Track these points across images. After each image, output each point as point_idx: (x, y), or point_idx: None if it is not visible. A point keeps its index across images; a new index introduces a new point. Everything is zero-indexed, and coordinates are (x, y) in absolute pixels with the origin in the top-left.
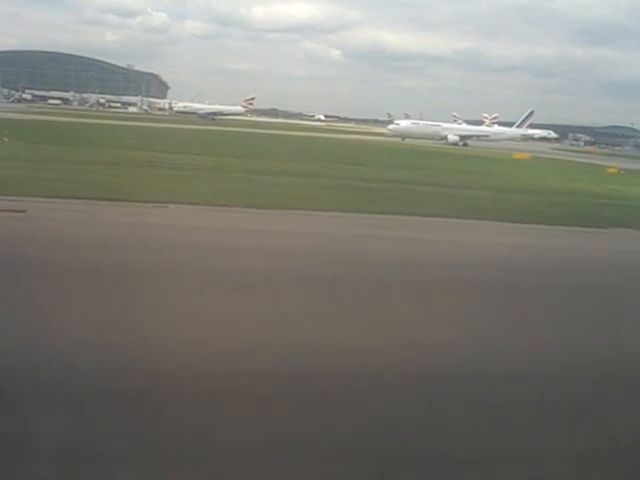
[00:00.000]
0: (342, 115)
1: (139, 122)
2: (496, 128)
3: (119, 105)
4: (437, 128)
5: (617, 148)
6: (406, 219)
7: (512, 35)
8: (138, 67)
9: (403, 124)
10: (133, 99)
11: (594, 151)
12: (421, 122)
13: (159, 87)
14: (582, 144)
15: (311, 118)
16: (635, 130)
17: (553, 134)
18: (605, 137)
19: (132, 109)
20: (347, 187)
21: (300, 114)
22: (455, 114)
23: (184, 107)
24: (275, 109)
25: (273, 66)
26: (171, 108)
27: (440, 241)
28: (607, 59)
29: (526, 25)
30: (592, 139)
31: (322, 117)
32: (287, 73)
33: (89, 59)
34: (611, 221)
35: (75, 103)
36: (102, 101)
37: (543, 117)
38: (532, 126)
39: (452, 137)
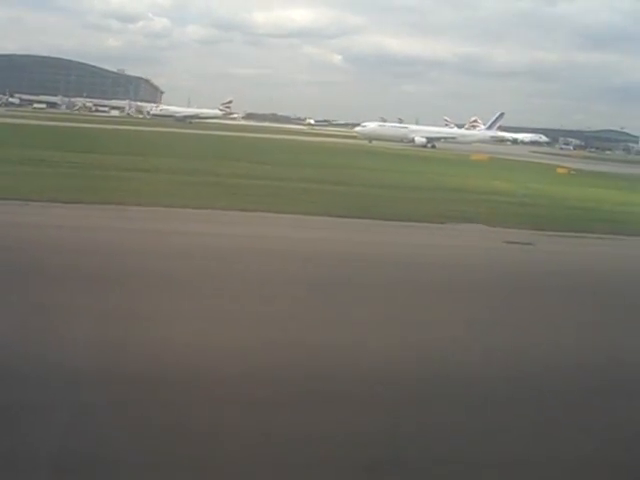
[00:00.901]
0: (340, 120)
1: (108, 125)
2: (464, 130)
3: (107, 109)
4: (405, 130)
5: (607, 152)
6: (227, 214)
7: (514, 40)
8: (140, 73)
9: (370, 126)
10: (121, 103)
11: (577, 154)
12: (388, 124)
13: (151, 91)
14: (571, 148)
15: (302, 122)
16: (626, 134)
17: (544, 138)
18: (596, 141)
19: (114, 112)
20: (205, 183)
21: (298, 119)
22: (446, 118)
23: (160, 110)
24: (275, 114)
25: (274, 71)
26: (148, 112)
27: (210, 234)
28: (609, 64)
29: (528, 30)
30: (582, 143)
31: (312, 121)
32: (289, 78)
33: (79, 63)
34: (464, 217)
35: (63, 107)
36: (89, 105)
37: (535, 121)
38: (523, 130)
39: (419, 139)
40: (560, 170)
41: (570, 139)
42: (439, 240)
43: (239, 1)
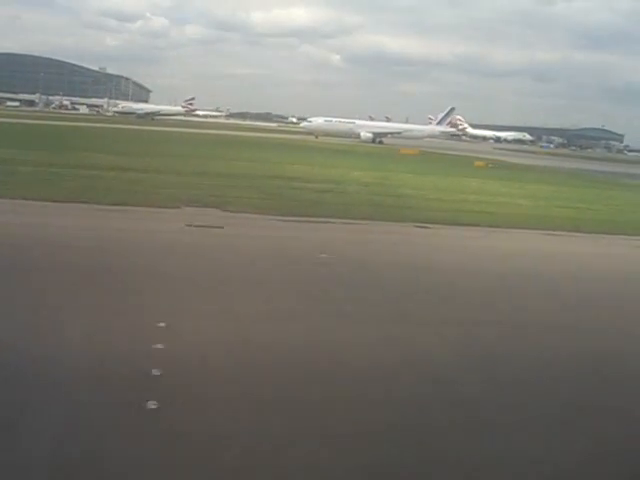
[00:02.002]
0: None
1: (63, 122)
2: (413, 126)
3: (85, 106)
4: (351, 125)
5: (589, 150)
6: None
7: (512, 40)
8: (133, 72)
9: (316, 122)
10: (100, 101)
11: (551, 152)
12: (334, 120)
13: (134, 89)
14: (552, 146)
15: (284, 120)
16: (610, 132)
17: (528, 136)
18: (579, 139)
19: (83, 110)
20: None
21: (291, 117)
22: (430, 116)
23: (122, 108)
24: (269, 113)
25: (273, 71)
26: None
27: None
28: (608, 63)
29: (526, 30)
30: (565, 141)
31: (294, 119)
32: (287, 77)
33: (58, 61)
34: (209, 202)
35: (40, 105)
36: (65, 103)
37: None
38: (507, 129)
39: (365, 134)
40: (478, 163)
41: (553, 137)
42: (124, 224)
43: (237, 1)
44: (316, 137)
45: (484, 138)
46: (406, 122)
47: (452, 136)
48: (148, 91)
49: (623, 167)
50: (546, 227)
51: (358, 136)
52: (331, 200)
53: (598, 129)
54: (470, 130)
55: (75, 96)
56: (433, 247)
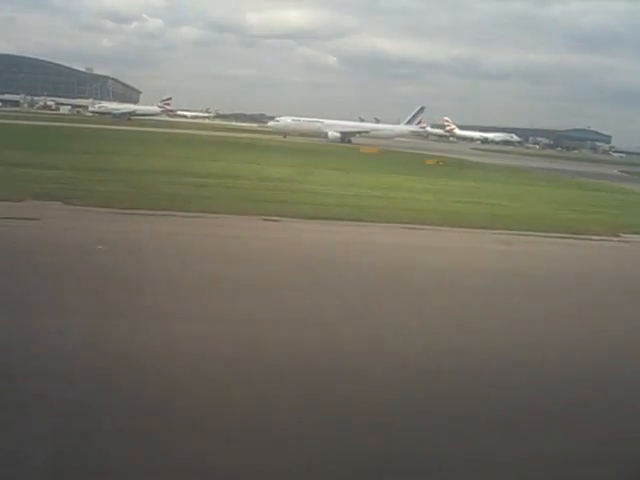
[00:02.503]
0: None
1: (34, 122)
2: (382, 125)
3: (69, 107)
4: (319, 125)
5: (575, 151)
6: None
7: (508, 42)
8: (129, 74)
9: (284, 121)
10: (85, 102)
11: (520, 152)
12: (302, 119)
13: (122, 90)
14: (537, 147)
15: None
16: (596, 133)
17: (516, 137)
18: (567, 140)
19: (63, 110)
20: None
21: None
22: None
23: (99, 107)
24: (263, 114)
25: (269, 72)
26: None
27: None
28: (603, 66)
29: (522, 32)
30: (551, 142)
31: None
32: (284, 79)
33: (44, 62)
34: (55, 195)
35: (25, 105)
36: (49, 103)
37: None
38: (496, 130)
39: (332, 134)
40: (428, 161)
41: (540, 138)
42: None
43: (232, 2)
44: (284, 137)
45: (472, 139)
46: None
47: (441, 137)
48: (138, 92)
49: (595, 167)
50: (416, 221)
51: (326, 135)
52: (200, 194)
53: (586, 130)
54: (458, 131)
55: (60, 96)
56: (245, 238)
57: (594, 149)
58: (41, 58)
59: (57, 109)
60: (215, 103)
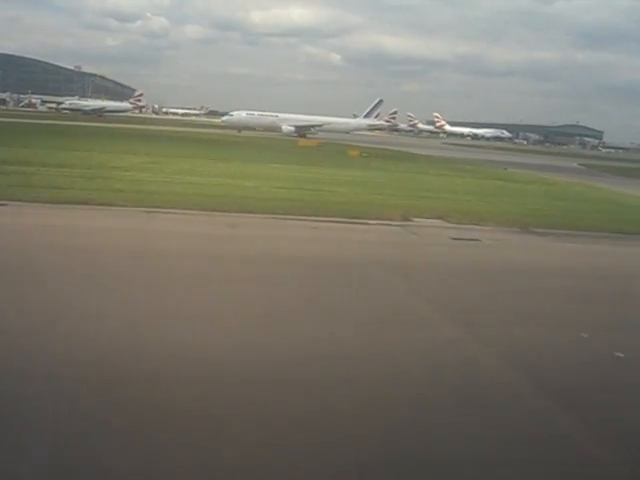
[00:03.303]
0: None
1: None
2: (338, 119)
3: (54, 105)
4: (273, 119)
5: (564, 147)
6: None
7: (512, 39)
8: (133, 71)
9: (237, 115)
10: (70, 100)
11: (503, 147)
12: (257, 113)
13: (112, 88)
14: (525, 142)
15: None
16: (587, 128)
17: (507, 133)
18: (557, 136)
19: (41, 108)
20: None
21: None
22: (410, 114)
23: (70, 104)
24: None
25: (273, 70)
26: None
27: None
28: (607, 63)
29: (526, 29)
30: (541, 138)
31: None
32: (287, 77)
33: (32, 60)
34: None
35: (12, 103)
36: (34, 101)
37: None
38: (487, 126)
39: (286, 128)
40: (351, 153)
41: (530, 134)
42: None
43: (236, 0)
44: (239, 131)
45: (462, 135)
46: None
47: (432, 133)
48: (132, 90)
49: (560, 161)
50: (188, 206)
51: (280, 129)
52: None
53: (577, 126)
54: (448, 127)
55: (48, 94)
56: None
57: (583, 145)
58: (29, 56)
59: (43, 107)
60: (217, 101)
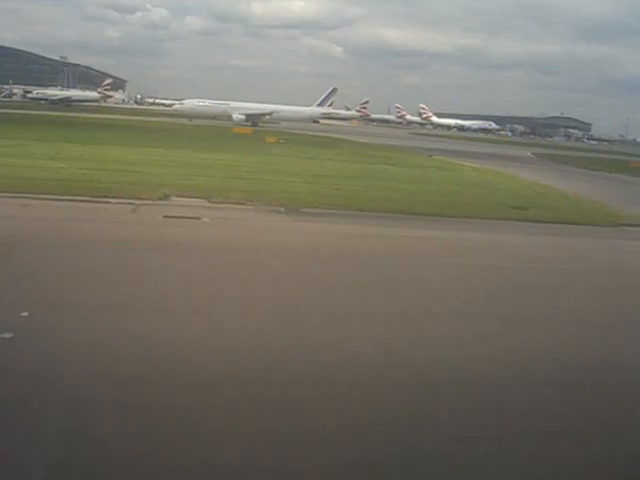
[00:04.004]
0: None
1: None
2: (290, 107)
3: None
4: (225, 107)
5: (549, 139)
6: None
7: (515, 32)
8: (134, 63)
9: (189, 103)
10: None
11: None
12: (208, 101)
13: (101, 78)
14: (509, 134)
15: None
16: (576, 120)
17: (494, 125)
18: (545, 128)
19: (17, 98)
20: None
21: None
22: (398, 105)
23: (36, 94)
24: None
25: (275, 62)
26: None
27: None
28: (610, 56)
29: (528, 22)
30: (528, 130)
31: None
32: (289, 69)
33: (15, 50)
34: None
35: None
36: (15, 91)
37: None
38: (474, 118)
39: (237, 116)
40: (268, 139)
41: (516, 126)
42: None
43: None
44: (190, 120)
45: (448, 127)
46: (387, 112)
47: (420, 125)
48: (122, 80)
49: (521, 151)
50: None
51: (230, 118)
52: None
53: (565, 118)
54: (435, 119)
55: (32, 85)
56: None
57: (567, 136)
58: (13, 46)
59: (24, 96)
60: (219, 93)
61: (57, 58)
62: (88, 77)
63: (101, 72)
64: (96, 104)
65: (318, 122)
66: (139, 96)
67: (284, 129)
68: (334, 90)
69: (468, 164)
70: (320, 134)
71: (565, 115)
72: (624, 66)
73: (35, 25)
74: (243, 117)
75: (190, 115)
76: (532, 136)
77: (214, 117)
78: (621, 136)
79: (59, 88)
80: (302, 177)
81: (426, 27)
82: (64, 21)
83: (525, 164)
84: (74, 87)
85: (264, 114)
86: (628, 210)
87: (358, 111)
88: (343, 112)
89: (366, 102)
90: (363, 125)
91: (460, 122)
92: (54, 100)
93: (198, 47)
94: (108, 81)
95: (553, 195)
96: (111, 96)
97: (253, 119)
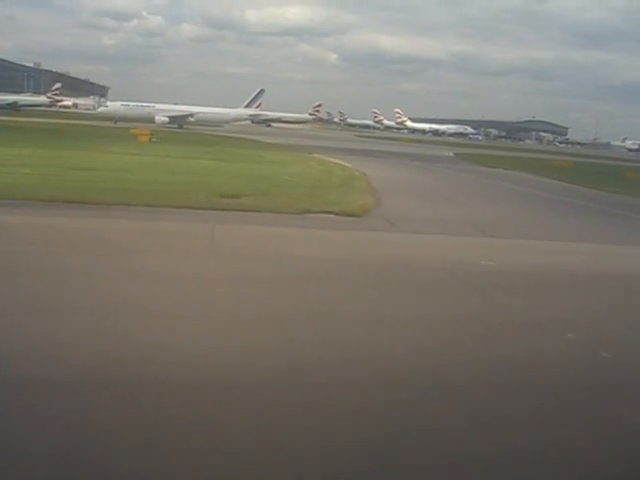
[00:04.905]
0: None
1: None
2: (216, 109)
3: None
4: (149, 109)
5: (520, 142)
6: None
7: (509, 38)
8: (130, 70)
9: (113, 106)
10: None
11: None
12: (132, 104)
13: (79, 85)
14: (480, 138)
15: None
16: (552, 124)
17: (470, 129)
18: (518, 131)
19: None
20: None
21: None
22: (375, 110)
23: None
24: None
25: (269, 69)
26: None
27: None
28: (605, 62)
29: (522, 28)
30: (503, 133)
31: None
32: (284, 76)
33: None
34: None
35: None
36: None
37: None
38: (448, 122)
39: (159, 118)
40: (141, 138)
41: (491, 130)
42: None
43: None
44: (115, 123)
45: (423, 131)
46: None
47: (396, 129)
48: (103, 87)
49: (444, 151)
50: None
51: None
52: None
53: (540, 122)
54: (409, 123)
55: (1, 91)
56: None
57: (539, 140)
58: None
59: None
60: (213, 100)
61: (31, 65)
62: (65, 83)
63: (79, 79)
64: (45, 109)
65: (269, 125)
66: (109, 102)
67: (210, 130)
68: (262, 91)
69: (338, 161)
70: (234, 135)
71: (538, 119)
72: (619, 72)
73: (29, 33)
74: (166, 119)
75: (115, 118)
76: (502, 140)
77: (139, 119)
78: (594, 139)
79: (29, 94)
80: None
81: (420, 34)
82: (59, 29)
83: (416, 162)
84: (45, 94)
85: (185, 116)
86: (367, 200)
87: (311, 114)
88: (291, 115)
89: (319, 105)
90: (326, 130)
91: (435, 126)
92: (2, 105)
93: (192, 54)
94: (57, 85)
95: (331, 185)
96: (60, 100)
97: (177, 121)
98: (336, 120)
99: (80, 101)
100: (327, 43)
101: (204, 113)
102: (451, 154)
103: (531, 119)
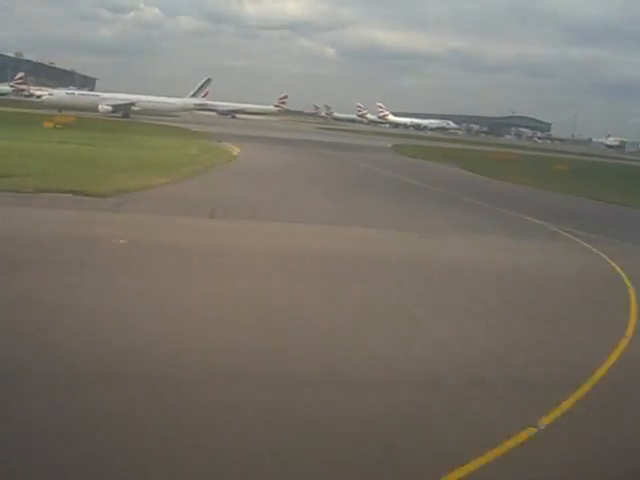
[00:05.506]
0: None
1: None
2: (162, 98)
3: None
4: (94, 98)
5: (501, 137)
6: None
7: (506, 34)
8: (128, 62)
9: (57, 94)
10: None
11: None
12: (77, 92)
13: (61, 75)
14: (460, 133)
15: None
16: (535, 120)
17: (452, 124)
18: (501, 127)
19: None
20: None
21: None
22: (359, 104)
23: None
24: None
25: (266, 63)
26: None
27: None
28: (601, 59)
29: (519, 24)
30: (485, 128)
31: None
32: (281, 70)
33: None
34: None
35: None
36: None
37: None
38: (434, 117)
39: (103, 107)
40: (46, 124)
41: (472, 125)
42: None
43: None
44: (60, 111)
45: (405, 126)
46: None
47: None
48: (91, 79)
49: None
50: None
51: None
52: None
53: (522, 117)
54: (391, 117)
55: None
56: None
57: (518, 135)
58: None
59: None
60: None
61: (11, 54)
62: (47, 73)
63: (62, 69)
64: (4, 97)
65: (234, 117)
66: (55, 91)
67: (156, 120)
68: (208, 80)
69: (237, 150)
70: (173, 125)
71: (520, 115)
72: (616, 69)
73: (25, 24)
74: (110, 108)
75: (59, 106)
76: (484, 135)
77: (84, 108)
78: (572, 135)
79: (5, 84)
80: None
81: (417, 29)
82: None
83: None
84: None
85: (128, 104)
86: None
87: (276, 106)
88: (256, 107)
89: (285, 97)
90: (296, 122)
91: (417, 121)
92: None
93: (191, 47)
94: (20, 74)
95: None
96: (25, 90)
97: (121, 109)
98: (323, 114)
99: (57, 91)
100: (324, 38)
101: (149, 102)
102: (389, 145)
103: (511, 115)
